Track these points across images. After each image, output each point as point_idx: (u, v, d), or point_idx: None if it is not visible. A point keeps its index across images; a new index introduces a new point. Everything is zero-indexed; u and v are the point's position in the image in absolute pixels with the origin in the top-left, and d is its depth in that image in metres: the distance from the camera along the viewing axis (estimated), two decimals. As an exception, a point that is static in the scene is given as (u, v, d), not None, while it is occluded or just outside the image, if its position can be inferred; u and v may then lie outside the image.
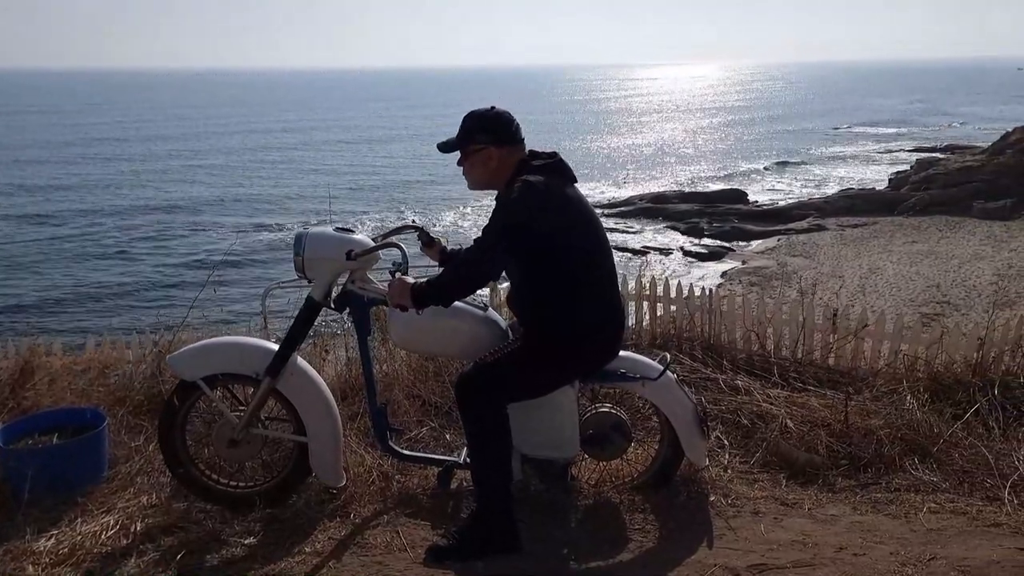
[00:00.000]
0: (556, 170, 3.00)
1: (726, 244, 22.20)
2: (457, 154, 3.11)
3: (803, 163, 39.63)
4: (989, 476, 3.44)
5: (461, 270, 2.99)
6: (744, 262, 20.14)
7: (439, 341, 3.31)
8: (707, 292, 4.92)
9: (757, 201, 27.81)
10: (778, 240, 22.03)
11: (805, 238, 21.78)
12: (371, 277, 3.34)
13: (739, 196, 27.67)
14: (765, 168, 38.00)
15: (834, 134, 53.26)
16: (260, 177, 35.84)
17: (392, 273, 3.05)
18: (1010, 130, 27.01)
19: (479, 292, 3.61)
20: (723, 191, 28.70)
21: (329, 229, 3.28)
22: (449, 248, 3.47)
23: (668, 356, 3.30)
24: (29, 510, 3.28)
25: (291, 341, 3.27)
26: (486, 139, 3.02)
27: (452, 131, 3.12)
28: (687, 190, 29.81)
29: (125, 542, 3.11)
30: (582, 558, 2.98)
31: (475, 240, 2.98)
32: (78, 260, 20.94)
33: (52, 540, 3.08)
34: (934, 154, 33.51)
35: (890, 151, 42.52)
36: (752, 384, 4.17)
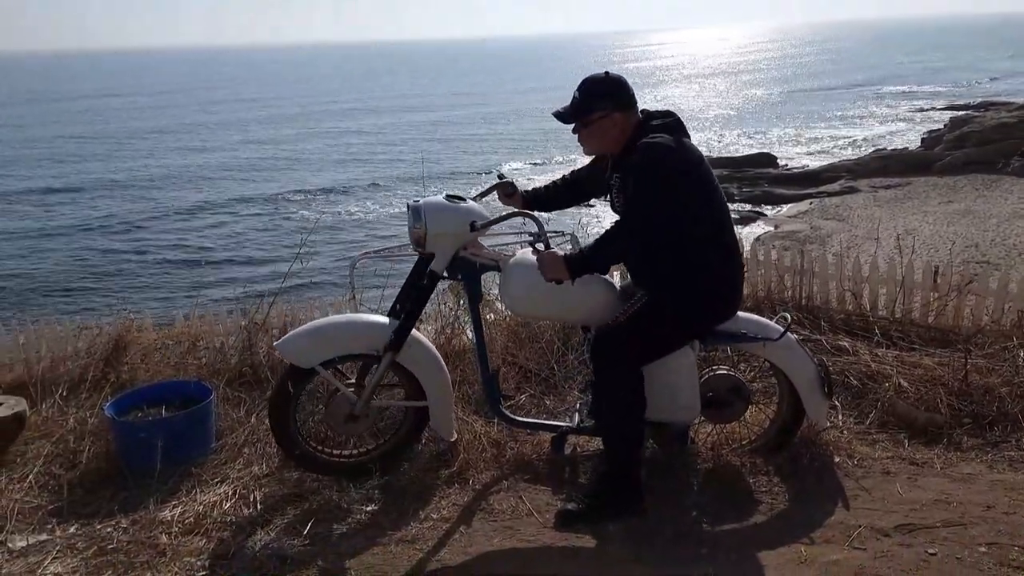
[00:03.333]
0: (678, 127, 2.92)
1: (757, 209, 21.92)
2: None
3: (833, 124, 39.02)
4: (1120, 432, 3.36)
5: (623, 237, 2.87)
6: (776, 226, 19.83)
7: (559, 306, 3.20)
8: (800, 253, 4.83)
9: (787, 164, 27.39)
10: (810, 203, 21.60)
11: (838, 200, 21.32)
12: (483, 243, 3.28)
13: (769, 160, 27.20)
14: (794, 130, 37.48)
15: (863, 94, 52.12)
16: (342, 157, 35.53)
17: (532, 245, 3.00)
18: (1048, 85, 26.41)
19: None
20: (752, 155, 28.19)
21: (442, 199, 3.18)
22: (524, 192, 3.42)
23: (788, 316, 3.22)
24: (145, 481, 3.30)
25: (412, 316, 3.22)
26: (609, 105, 2.95)
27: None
28: (715, 155, 29.44)
29: (248, 511, 3.11)
30: (713, 520, 2.93)
31: (626, 210, 2.89)
32: (159, 241, 21.03)
33: (177, 510, 3.09)
34: (968, 111, 32.86)
35: (922, 110, 41.58)
36: (856, 344, 4.09)
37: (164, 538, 2.92)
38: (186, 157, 35.91)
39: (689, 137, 2.96)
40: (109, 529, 3.03)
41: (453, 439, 3.42)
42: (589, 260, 2.84)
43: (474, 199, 3.31)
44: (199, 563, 2.78)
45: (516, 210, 3.18)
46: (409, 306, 3.20)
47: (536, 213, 3.09)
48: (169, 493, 3.26)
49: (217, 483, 3.33)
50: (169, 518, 3.04)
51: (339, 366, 3.41)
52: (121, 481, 3.38)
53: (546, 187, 3.46)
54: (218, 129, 45.71)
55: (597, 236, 2.90)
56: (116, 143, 40.93)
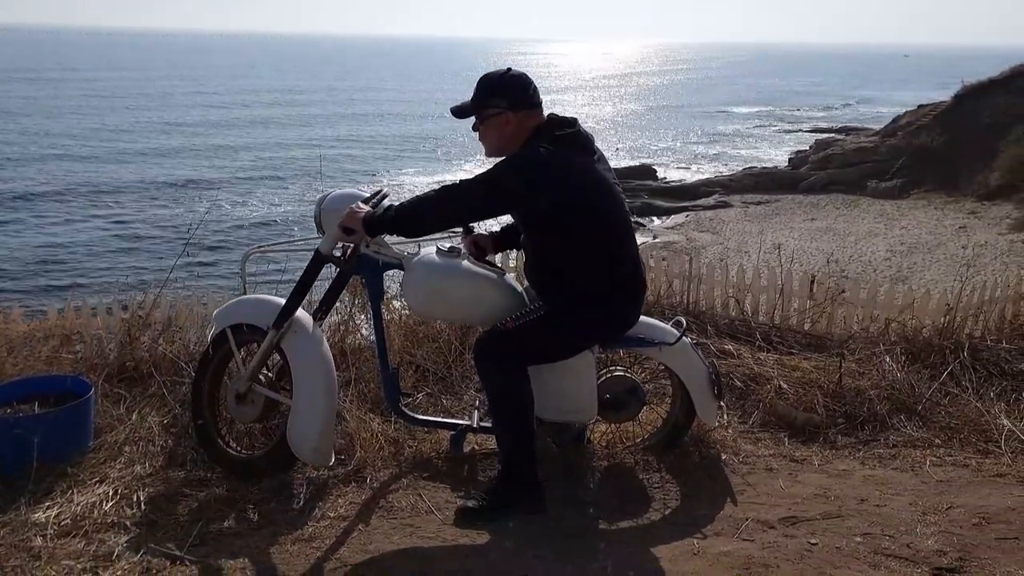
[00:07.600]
0: (572, 141, 2.90)
1: (637, 219, 22.60)
2: (467, 119, 3.03)
3: (709, 141, 40.71)
4: (974, 432, 3.63)
5: (429, 204, 2.86)
6: (655, 237, 20.59)
7: (457, 307, 3.23)
8: (689, 260, 5.02)
9: (666, 178, 28.43)
10: (686, 216, 22.53)
11: (712, 214, 22.29)
12: (386, 241, 3.25)
13: (649, 172, 28.16)
14: (673, 145, 38.87)
15: (738, 114, 54.80)
16: (233, 149, 34.47)
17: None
18: (900, 113, 28.39)
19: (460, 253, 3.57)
20: (633, 167, 29.03)
21: (355, 190, 3.23)
22: (491, 231, 3.44)
23: (683, 321, 3.34)
24: (16, 482, 3.09)
25: (297, 294, 3.15)
26: (502, 103, 2.93)
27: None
28: (600, 166, 30.10)
29: (131, 511, 2.97)
30: (610, 518, 3.00)
31: (460, 181, 2.90)
32: (40, 225, 19.79)
33: (52, 512, 2.91)
34: (831, 135, 34.93)
35: (788, 131, 44.08)
36: (740, 348, 4.29)
37: (38, 540, 2.74)
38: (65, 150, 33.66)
39: (591, 152, 2.95)
40: (-26, 533, 2.82)
41: (322, 463, 3.12)
42: (386, 217, 2.85)
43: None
44: (79, 566, 2.62)
45: (380, 190, 3.17)
46: (296, 285, 3.15)
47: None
48: (43, 494, 3.04)
49: (96, 483, 3.14)
50: (43, 520, 2.85)
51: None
52: (-14, 482, 3.15)
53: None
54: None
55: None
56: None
